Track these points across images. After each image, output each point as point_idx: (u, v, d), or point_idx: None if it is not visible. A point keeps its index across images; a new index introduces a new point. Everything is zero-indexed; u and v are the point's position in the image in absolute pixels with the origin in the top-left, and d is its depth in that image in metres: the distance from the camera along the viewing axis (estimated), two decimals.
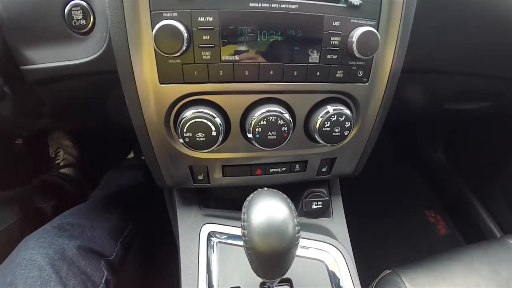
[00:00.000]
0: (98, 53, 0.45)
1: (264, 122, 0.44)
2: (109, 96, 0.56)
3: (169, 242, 0.79)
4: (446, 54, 0.60)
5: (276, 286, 0.49)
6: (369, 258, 0.89)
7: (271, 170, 0.55)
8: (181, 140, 0.44)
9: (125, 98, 0.44)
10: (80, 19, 0.44)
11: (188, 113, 0.43)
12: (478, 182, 1.22)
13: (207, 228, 0.58)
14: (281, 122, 0.45)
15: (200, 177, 0.54)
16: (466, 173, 1.27)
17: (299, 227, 0.36)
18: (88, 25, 0.44)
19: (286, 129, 0.46)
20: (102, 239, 0.66)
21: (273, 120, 0.44)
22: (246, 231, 0.35)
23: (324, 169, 0.59)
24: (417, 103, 0.79)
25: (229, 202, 0.67)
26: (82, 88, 0.54)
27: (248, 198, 0.37)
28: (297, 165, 0.56)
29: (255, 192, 0.38)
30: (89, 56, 0.46)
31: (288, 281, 0.50)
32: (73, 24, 0.44)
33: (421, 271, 0.68)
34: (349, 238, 0.61)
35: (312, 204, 0.62)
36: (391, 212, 1.31)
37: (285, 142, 0.47)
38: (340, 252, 0.56)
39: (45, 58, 0.47)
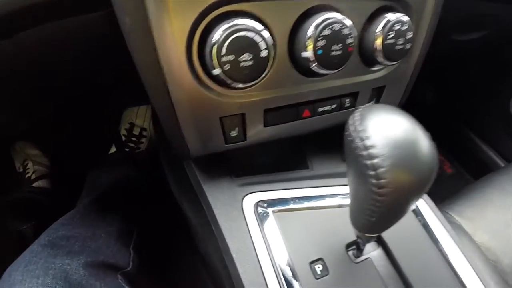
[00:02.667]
0: None
1: (328, 32, 0.33)
2: (96, 49, 0.40)
3: (184, 234, 0.66)
4: None
5: None
6: None
7: (320, 110, 0.44)
8: (217, 71, 0.31)
9: (127, 27, 0.30)
10: None
11: (223, 28, 0.30)
12: (474, 117, 1.21)
13: (251, 199, 0.45)
14: (346, 31, 0.34)
15: (233, 133, 0.42)
16: (460, 109, 1.26)
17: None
18: None
19: (351, 40, 0.35)
20: (111, 247, 0.51)
21: (337, 29, 0.33)
22: (378, 160, 0.23)
23: (372, 103, 0.50)
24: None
25: (258, 167, 0.55)
26: (57, 39, 0.37)
27: (356, 117, 0.26)
28: (347, 100, 0.46)
29: (363, 108, 0.26)
30: None
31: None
32: None
33: (463, 203, 0.68)
34: None
35: None
36: None
37: (349, 61, 0.36)
38: None
39: None
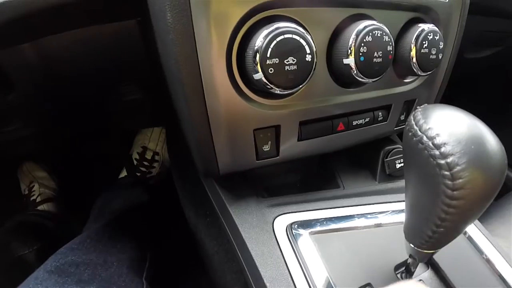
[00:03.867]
0: None
1: (370, 39, 0.32)
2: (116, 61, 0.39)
3: (199, 262, 0.61)
4: None
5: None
6: None
7: (354, 123, 0.42)
8: (259, 75, 0.29)
9: (168, 24, 0.29)
10: None
11: (268, 30, 0.29)
12: None
13: (282, 221, 0.42)
14: (386, 38, 0.34)
15: (266, 148, 0.39)
16: None
17: None
18: None
19: (391, 49, 0.34)
20: (123, 276, 0.46)
21: (378, 35, 0.33)
22: (453, 158, 0.21)
23: (402, 117, 0.48)
24: None
25: (286, 187, 0.52)
26: (74, 49, 0.36)
27: (418, 117, 0.24)
28: (380, 113, 0.44)
29: (422, 108, 0.25)
30: None
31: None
32: None
33: (493, 221, 0.67)
34: None
35: (395, 163, 0.49)
36: None
37: (388, 69, 0.36)
38: None
39: None
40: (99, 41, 0.38)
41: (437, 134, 0.22)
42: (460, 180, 0.21)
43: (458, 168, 0.21)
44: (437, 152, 0.22)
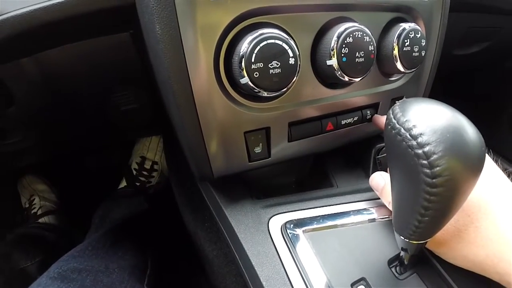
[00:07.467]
0: None
1: (351, 40, 0.34)
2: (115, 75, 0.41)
3: (200, 269, 0.62)
4: None
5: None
6: None
7: (342, 122, 0.43)
8: (245, 80, 0.31)
9: (157, 36, 0.30)
10: None
11: (252, 36, 0.30)
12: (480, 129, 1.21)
13: (277, 221, 0.43)
14: (367, 39, 0.35)
15: (257, 150, 0.40)
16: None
17: None
18: None
19: (372, 48, 0.36)
20: (125, 283, 0.46)
21: (359, 36, 0.34)
22: (430, 147, 0.22)
23: None
24: None
25: (280, 188, 0.53)
26: (78, 60, 0.38)
27: (396, 110, 0.25)
28: (368, 111, 0.45)
29: (401, 102, 0.26)
30: None
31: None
32: None
33: None
34: None
35: None
36: None
37: (369, 72, 0.37)
38: None
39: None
40: (96, 53, 0.39)
41: (414, 126, 0.23)
42: (438, 168, 0.22)
43: (435, 156, 0.22)
44: (414, 143, 0.23)
